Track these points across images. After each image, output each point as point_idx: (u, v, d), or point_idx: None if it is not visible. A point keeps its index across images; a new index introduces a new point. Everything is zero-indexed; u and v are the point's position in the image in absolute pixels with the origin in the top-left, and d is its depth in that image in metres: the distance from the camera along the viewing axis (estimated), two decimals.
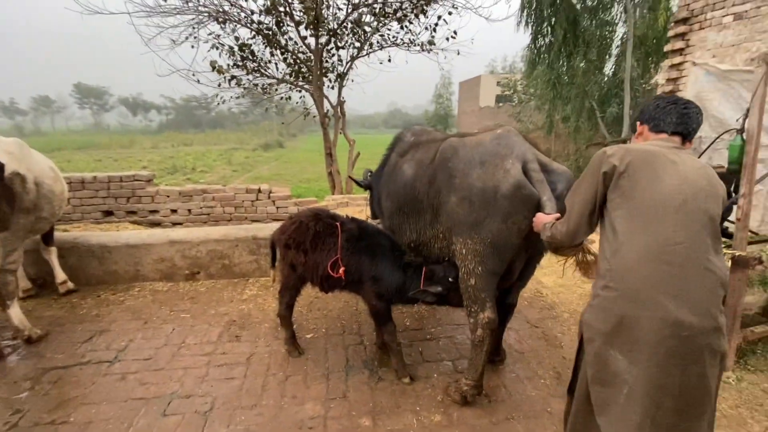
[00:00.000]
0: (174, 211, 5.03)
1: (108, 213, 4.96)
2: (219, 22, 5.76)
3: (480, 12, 5.43)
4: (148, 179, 5.03)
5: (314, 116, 6.93)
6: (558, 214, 1.84)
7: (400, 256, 2.52)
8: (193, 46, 5.89)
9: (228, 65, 6.07)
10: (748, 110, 2.67)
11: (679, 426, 1.20)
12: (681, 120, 1.48)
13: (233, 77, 6.03)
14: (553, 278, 4.22)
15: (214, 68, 5.65)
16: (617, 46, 9.79)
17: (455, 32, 5.98)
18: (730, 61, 4.65)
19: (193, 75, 6.01)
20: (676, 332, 1.17)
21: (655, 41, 9.23)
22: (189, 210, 5.04)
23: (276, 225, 4.26)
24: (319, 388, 2.43)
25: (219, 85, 6.32)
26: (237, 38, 6.03)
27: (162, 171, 18.58)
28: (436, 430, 2.12)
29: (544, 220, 1.79)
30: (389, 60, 6.45)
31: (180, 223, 5.03)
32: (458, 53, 6.39)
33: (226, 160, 24.40)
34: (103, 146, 34.61)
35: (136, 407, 2.26)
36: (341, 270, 2.47)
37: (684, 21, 5.18)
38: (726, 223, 3.23)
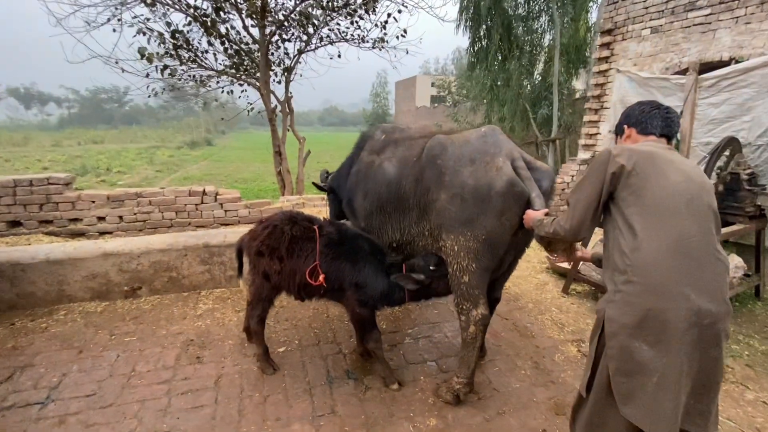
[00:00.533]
0: (102, 218, 4.36)
1: (15, 224, 4.15)
2: (147, 4, 5.12)
3: (432, 12, 5.50)
4: (67, 182, 4.31)
5: (259, 112, 6.50)
6: (546, 210, 1.91)
7: (382, 259, 2.43)
8: (115, 30, 5.17)
9: (158, 53, 5.43)
10: (681, 112, 3.02)
11: (696, 407, 1.29)
12: (666, 123, 1.59)
13: (166, 67, 5.40)
14: None
15: (143, 56, 5.00)
16: (545, 53, 10.65)
17: (405, 31, 5.99)
18: (649, 69, 5.26)
19: (117, 63, 5.28)
20: (699, 320, 1.25)
21: (575, 50, 10.19)
22: (120, 217, 4.42)
23: (228, 230, 3.92)
24: (304, 406, 2.26)
25: (147, 75, 5.64)
26: (169, 24, 5.42)
27: (68, 172, 16.23)
28: None
29: (534, 216, 1.85)
30: (339, 56, 6.27)
31: (109, 232, 4.39)
32: (407, 52, 6.42)
33: (147, 159, 22.05)
34: None
35: None
36: (321, 277, 2.31)
37: (609, 32, 5.75)
38: None
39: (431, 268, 2.26)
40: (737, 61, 4.36)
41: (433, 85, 29.21)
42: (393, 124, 3.01)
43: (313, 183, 3.49)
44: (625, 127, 1.67)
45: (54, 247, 3.33)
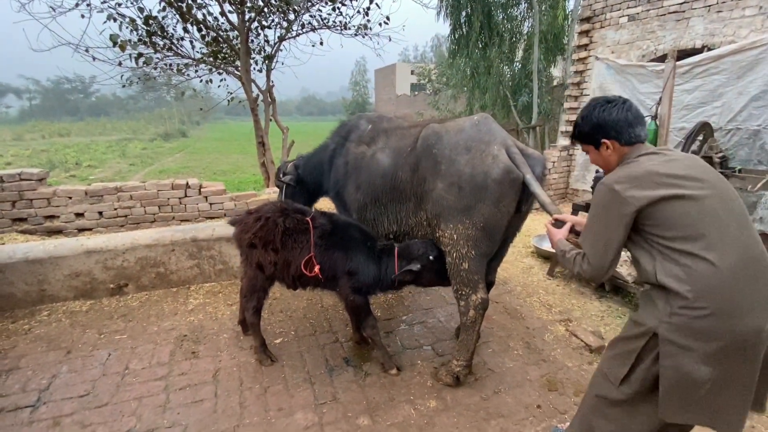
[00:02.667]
0: (80, 215, 4.19)
1: None
2: None
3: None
4: (40, 178, 4.10)
5: (240, 101, 6.32)
6: (569, 223, 1.75)
7: (373, 246, 2.45)
8: (83, 16, 4.89)
9: (131, 41, 5.18)
10: (660, 98, 3.13)
11: (742, 414, 1.30)
12: (639, 122, 1.47)
13: (140, 55, 5.17)
14: None
15: (115, 43, 4.76)
16: (524, 40, 10.75)
17: (388, 18, 5.91)
18: (626, 56, 5.40)
19: (86, 51, 5.01)
20: (763, 338, 1.22)
21: (554, 37, 10.33)
22: (100, 213, 4.25)
23: (216, 224, 3.85)
24: (306, 395, 2.28)
25: (120, 64, 5.38)
26: (141, 9, 5.17)
27: (34, 167, 15.44)
28: (435, 415, 2.14)
29: (558, 242, 1.65)
30: (321, 43, 6.13)
31: (89, 229, 4.23)
32: (390, 39, 6.35)
33: (119, 152, 21.17)
34: None
35: None
36: (316, 268, 2.32)
37: (588, 20, 5.85)
38: None
39: (430, 258, 2.29)
40: (709, 49, 4.54)
41: (412, 73, 29.07)
42: (377, 114, 3.00)
43: (276, 181, 3.34)
44: (604, 141, 1.47)
45: (33, 245, 3.19)
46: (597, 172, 3.71)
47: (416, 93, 26.88)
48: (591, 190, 3.79)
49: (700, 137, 3.96)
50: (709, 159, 3.77)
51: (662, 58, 4.87)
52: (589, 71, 5.97)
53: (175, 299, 3.37)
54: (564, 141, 6.51)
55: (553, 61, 11.50)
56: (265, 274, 2.44)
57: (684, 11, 4.70)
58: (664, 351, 1.29)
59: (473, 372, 2.47)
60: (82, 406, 2.19)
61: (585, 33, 5.94)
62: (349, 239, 2.43)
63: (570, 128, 6.49)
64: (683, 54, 4.77)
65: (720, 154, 3.78)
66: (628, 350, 1.39)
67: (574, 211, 3.80)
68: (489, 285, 2.54)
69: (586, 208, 3.75)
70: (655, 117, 3.35)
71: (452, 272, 2.23)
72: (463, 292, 2.21)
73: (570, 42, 9.71)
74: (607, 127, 1.45)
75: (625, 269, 3.34)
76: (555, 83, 11.82)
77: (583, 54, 6.06)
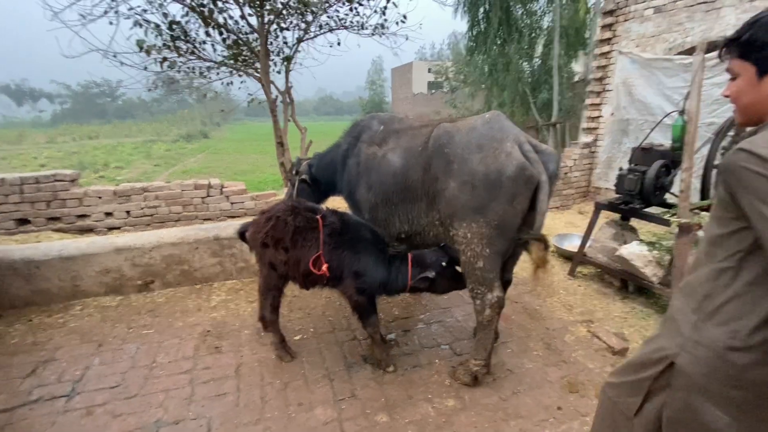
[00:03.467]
0: (109, 214, 4.38)
1: (23, 221, 4.15)
2: None
3: None
4: (73, 179, 4.30)
5: (260, 102, 6.44)
6: None
7: (383, 249, 2.46)
8: (111, 23, 5.09)
9: (156, 46, 5.35)
10: (688, 93, 3.01)
11: None
12: None
13: (165, 59, 5.34)
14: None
15: (141, 48, 4.93)
16: (544, 36, 10.54)
17: (405, 16, 5.90)
18: (651, 50, 5.23)
19: (114, 56, 5.21)
20: None
21: (575, 32, 10.09)
22: (127, 212, 4.43)
23: (238, 223, 3.94)
24: (325, 391, 2.32)
25: (146, 68, 5.57)
26: (165, 15, 5.33)
27: (67, 169, 16.14)
28: (453, 414, 2.14)
29: None
30: (338, 43, 6.18)
31: (117, 228, 4.41)
32: (407, 38, 6.34)
33: (144, 153, 21.94)
34: None
35: None
36: (324, 266, 2.33)
37: (611, 13, 5.69)
38: (666, 195, 3.68)
39: (443, 264, 2.30)
40: None
41: (429, 71, 28.89)
42: (389, 114, 3.01)
43: (289, 176, 3.38)
44: (743, 61, 1.00)
45: (66, 243, 3.35)
46: (620, 169, 3.61)
47: (433, 91, 26.71)
48: (614, 188, 3.69)
49: (731, 133, 3.80)
50: None
51: (690, 51, 4.69)
52: (612, 66, 5.81)
53: (198, 296, 3.47)
54: (585, 138, 6.35)
55: (575, 57, 11.23)
56: (278, 273, 2.48)
57: (714, 1, 4.52)
58: (678, 384, 1.04)
59: (492, 372, 2.45)
60: (113, 396, 2.29)
61: (608, 26, 5.78)
62: (359, 239, 2.44)
63: (591, 125, 6.32)
64: (713, 46, 4.58)
65: None
66: (635, 379, 1.15)
67: (597, 210, 3.71)
68: (506, 284, 2.52)
69: (609, 206, 3.65)
70: (682, 112, 3.24)
71: (467, 271, 2.22)
72: (479, 291, 2.20)
73: (592, 36, 9.46)
74: (757, 39, 0.95)
75: (650, 269, 3.24)
76: (577, 79, 11.54)
77: (605, 48, 5.90)
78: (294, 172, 3.21)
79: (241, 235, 2.69)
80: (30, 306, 3.21)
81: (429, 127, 2.42)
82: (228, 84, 6.25)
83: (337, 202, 3.53)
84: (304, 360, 2.60)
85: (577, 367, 2.51)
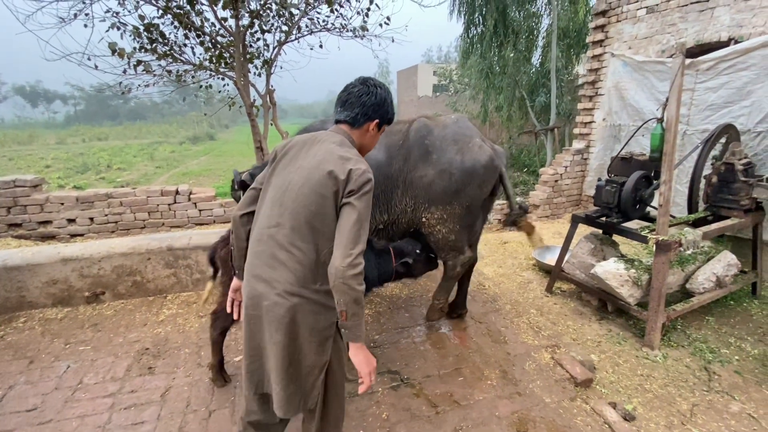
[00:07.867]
0: (72, 220, 4.27)
1: None
2: None
3: None
4: (35, 184, 4.20)
5: (240, 106, 6.32)
6: None
7: (371, 246, 2.34)
8: (86, 25, 5.01)
9: (134, 48, 5.26)
10: (667, 100, 2.77)
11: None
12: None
13: (140, 62, 5.24)
14: (494, 268, 4.24)
15: (114, 52, 4.84)
16: (543, 38, 10.25)
17: (388, 18, 5.72)
18: (644, 52, 4.95)
19: (89, 59, 5.13)
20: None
21: (575, 34, 9.78)
22: (91, 219, 4.31)
23: (194, 232, 3.79)
24: None
25: (124, 71, 5.48)
26: (142, 17, 5.24)
27: (70, 170, 16.33)
28: None
29: None
30: (320, 46, 6.03)
31: (81, 235, 4.30)
32: (393, 40, 6.16)
33: (148, 155, 22.15)
34: None
35: None
36: None
37: (603, 13, 5.43)
38: (649, 208, 3.42)
39: (417, 252, 2.48)
40: (736, 42, 4.06)
41: (434, 73, 28.65)
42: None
43: (234, 194, 3.22)
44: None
45: (11, 252, 3.23)
46: (599, 180, 3.36)
47: (438, 94, 26.48)
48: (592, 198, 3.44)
49: (722, 141, 3.53)
50: (731, 166, 3.34)
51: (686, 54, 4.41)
52: (605, 69, 5.54)
53: (149, 309, 3.32)
54: (578, 144, 6.07)
55: (577, 59, 10.90)
56: None
57: (708, 1, 4.24)
58: None
59: (435, 404, 2.24)
60: (27, 421, 2.14)
61: (600, 28, 5.51)
62: None
63: (584, 130, 6.05)
64: (707, 48, 4.30)
65: (744, 161, 3.33)
66: None
67: (574, 223, 3.47)
68: (471, 265, 2.89)
69: (586, 220, 3.40)
70: (660, 120, 2.99)
71: (441, 245, 2.59)
72: (452, 255, 2.64)
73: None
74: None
75: (626, 290, 2.99)
76: (580, 82, 11.19)
77: (598, 50, 5.63)
78: (237, 186, 3.02)
79: (211, 259, 2.48)
80: None
81: (403, 124, 2.65)
82: (207, 87, 6.14)
83: None
84: (238, 384, 2.42)
85: (532, 401, 2.28)
